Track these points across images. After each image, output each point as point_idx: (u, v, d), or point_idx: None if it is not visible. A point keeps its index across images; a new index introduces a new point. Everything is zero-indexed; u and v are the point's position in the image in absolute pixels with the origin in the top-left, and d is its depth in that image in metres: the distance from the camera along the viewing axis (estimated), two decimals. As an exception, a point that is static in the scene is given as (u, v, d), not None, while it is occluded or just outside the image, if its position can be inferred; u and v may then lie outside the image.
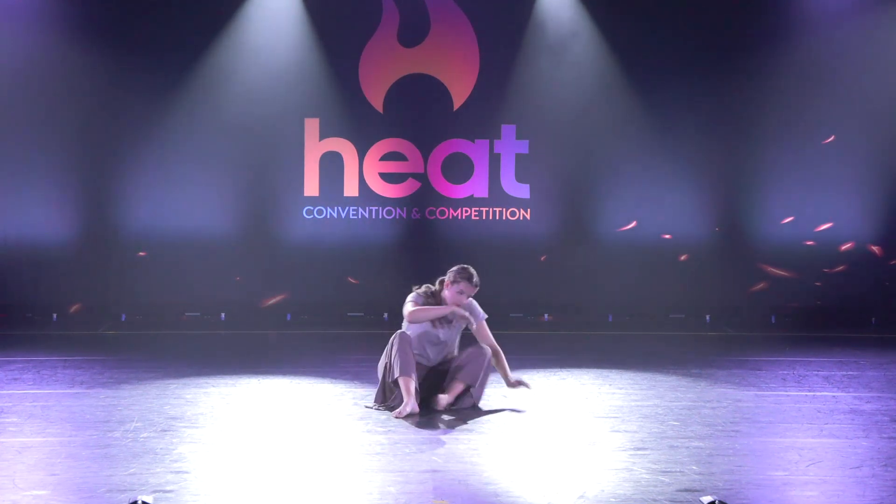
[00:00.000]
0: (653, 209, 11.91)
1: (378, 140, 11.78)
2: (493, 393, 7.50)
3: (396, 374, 6.77)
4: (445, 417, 6.65)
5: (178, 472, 5.24)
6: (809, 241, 11.97)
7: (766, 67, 11.74)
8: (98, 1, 11.45)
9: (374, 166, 11.79)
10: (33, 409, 6.74)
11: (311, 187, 11.78)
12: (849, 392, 7.64)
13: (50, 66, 11.34)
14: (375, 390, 7.08)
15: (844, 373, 8.47)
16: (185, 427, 6.25)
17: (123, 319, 11.54)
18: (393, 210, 11.87)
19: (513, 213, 11.92)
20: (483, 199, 11.88)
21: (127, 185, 11.59)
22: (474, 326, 7.14)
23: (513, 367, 8.47)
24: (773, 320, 11.94)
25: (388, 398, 6.91)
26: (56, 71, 11.35)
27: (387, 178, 11.81)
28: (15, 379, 7.83)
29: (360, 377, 7.96)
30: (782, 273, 12.00)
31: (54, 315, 11.54)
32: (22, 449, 5.68)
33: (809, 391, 7.68)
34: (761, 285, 12.03)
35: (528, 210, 11.92)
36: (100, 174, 11.58)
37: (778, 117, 11.81)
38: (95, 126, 11.47)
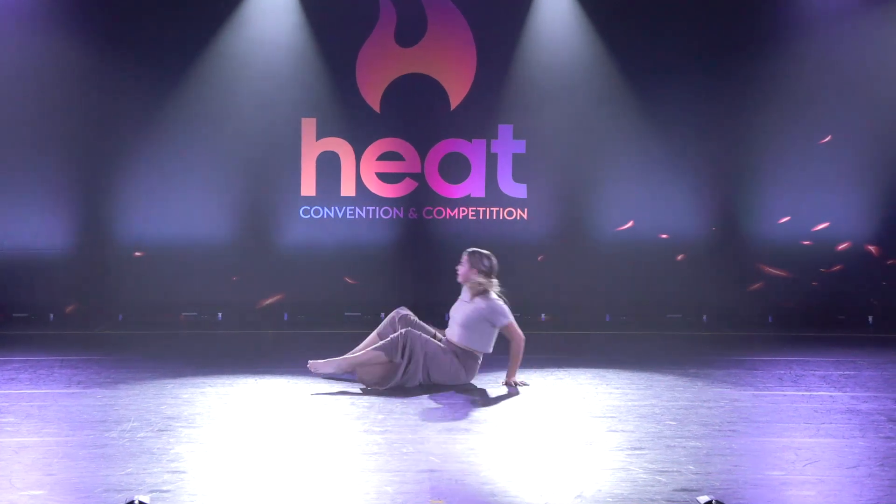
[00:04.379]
0: (650, 209, 11.92)
1: (375, 140, 11.78)
2: (490, 392, 7.51)
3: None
4: (443, 417, 6.65)
5: (175, 471, 5.24)
6: (806, 240, 11.98)
7: (763, 68, 11.75)
8: (92, 4, 11.45)
9: (371, 166, 11.79)
10: (30, 408, 6.73)
11: (308, 187, 11.78)
12: (846, 392, 7.65)
13: (45, 68, 11.34)
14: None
15: (841, 372, 8.48)
16: (182, 427, 6.25)
17: (120, 319, 11.53)
18: (390, 210, 11.88)
19: (510, 213, 11.93)
20: (480, 198, 11.89)
21: (123, 186, 11.59)
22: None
23: (510, 367, 8.51)
24: (770, 320, 11.95)
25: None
26: (51, 74, 11.35)
27: (384, 177, 11.81)
28: (12, 379, 7.83)
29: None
30: (779, 273, 12.01)
31: (51, 315, 11.53)
32: (19, 449, 5.68)
33: (806, 391, 7.69)
34: (758, 285, 12.04)
35: (526, 210, 11.92)
36: (96, 175, 11.57)
37: (775, 117, 11.82)
38: (91, 127, 11.47)
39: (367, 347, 7.81)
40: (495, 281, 7.93)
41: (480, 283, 7.85)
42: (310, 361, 7.75)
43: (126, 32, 11.39)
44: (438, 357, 7.65)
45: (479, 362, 7.85)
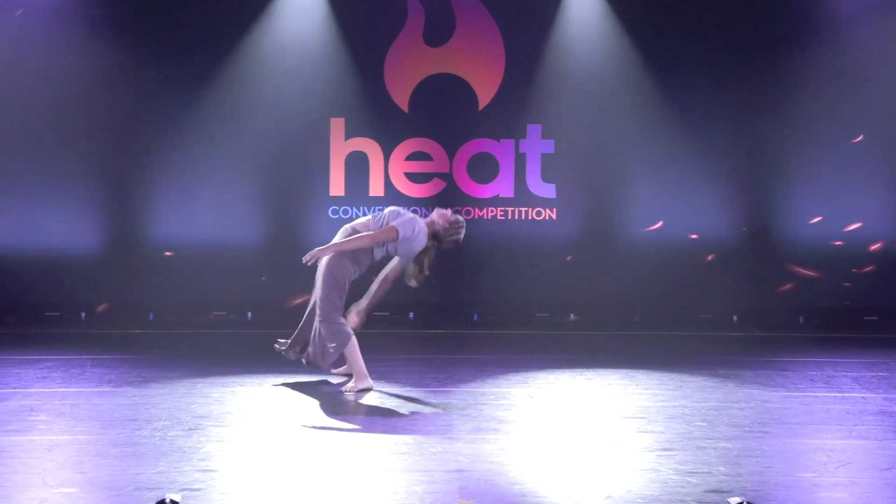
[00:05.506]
0: (679, 209, 11.87)
1: (403, 140, 11.79)
2: (519, 393, 7.50)
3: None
4: (471, 417, 6.64)
5: (206, 470, 5.25)
6: (838, 241, 11.89)
7: (794, 66, 11.67)
8: (122, 5, 11.53)
9: (399, 166, 11.80)
10: (62, 407, 6.78)
11: (337, 187, 11.80)
12: (878, 393, 7.58)
13: (74, 70, 11.43)
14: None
15: (874, 374, 8.41)
16: (212, 426, 6.27)
17: (151, 318, 11.60)
18: (418, 210, 11.87)
19: (538, 213, 11.90)
20: (509, 198, 11.88)
21: (154, 186, 11.65)
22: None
23: (537, 368, 8.52)
24: (801, 321, 11.88)
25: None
26: (80, 75, 11.44)
27: (412, 177, 11.82)
28: (44, 377, 7.88)
29: (386, 377, 7.97)
30: (810, 273, 11.93)
31: (83, 314, 11.62)
32: (51, 447, 5.72)
33: (838, 392, 7.63)
34: (789, 286, 11.97)
35: (554, 210, 11.90)
36: (127, 175, 11.64)
37: (806, 116, 11.74)
38: (121, 127, 11.54)
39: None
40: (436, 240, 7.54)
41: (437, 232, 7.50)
42: (344, 389, 7.53)
43: (155, 33, 11.46)
44: (333, 267, 7.46)
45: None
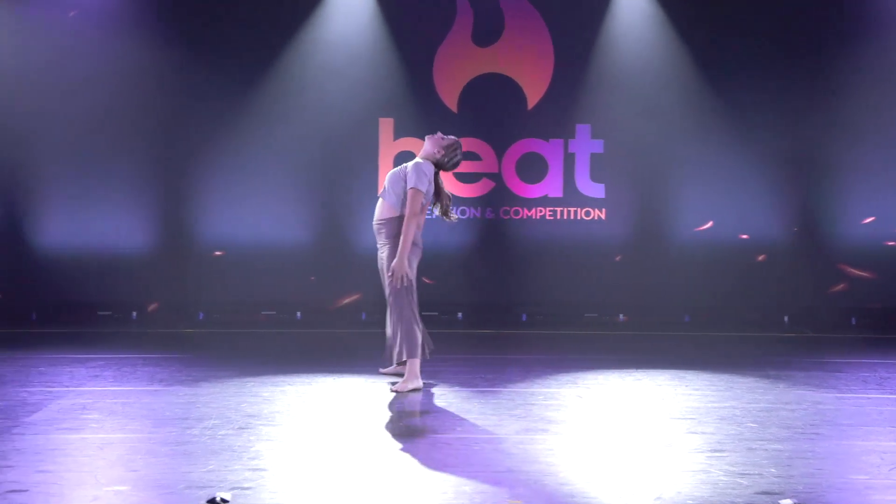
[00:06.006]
0: (730, 209, 11.79)
1: (452, 140, 11.79)
2: (568, 393, 7.47)
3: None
4: (520, 417, 6.63)
5: (256, 469, 5.29)
6: (890, 241, 11.75)
7: (846, 64, 11.55)
8: (171, 5, 11.64)
9: (448, 166, 11.80)
10: (114, 405, 6.85)
11: (386, 187, 11.83)
12: (933, 395, 7.48)
13: (126, 70, 11.57)
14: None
15: (928, 375, 8.30)
16: (262, 425, 6.31)
17: (201, 318, 11.70)
18: (467, 210, 11.89)
19: (587, 213, 11.87)
20: (557, 198, 11.85)
21: (204, 186, 11.76)
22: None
23: (586, 368, 8.48)
24: (853, 322, 11.74)
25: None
26: (132, 75, 11.58)
27: (461, 177, 11.82)
28: (96, 376, 7.97)
29: (434, 376, 7.98)
30: (862, 274, 11.80)
31: (134, 313, 11.74)
32: (103, 445, 5.78)
33: (892, 394, 7.53)
34: (841, 286, 11.83)
35: (603, 210, 11.85)
36: (177, 175, 11.77)
37: (858, 115, 11.61)
38: (172, 127, 11.67)
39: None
40: (434, 162, 7.51)
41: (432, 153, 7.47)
42: (392, 389, 7.58)
43: (205, 35, 11.57)
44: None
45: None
